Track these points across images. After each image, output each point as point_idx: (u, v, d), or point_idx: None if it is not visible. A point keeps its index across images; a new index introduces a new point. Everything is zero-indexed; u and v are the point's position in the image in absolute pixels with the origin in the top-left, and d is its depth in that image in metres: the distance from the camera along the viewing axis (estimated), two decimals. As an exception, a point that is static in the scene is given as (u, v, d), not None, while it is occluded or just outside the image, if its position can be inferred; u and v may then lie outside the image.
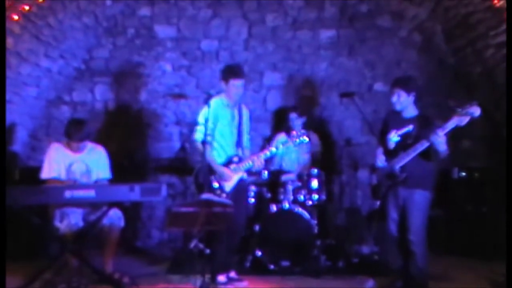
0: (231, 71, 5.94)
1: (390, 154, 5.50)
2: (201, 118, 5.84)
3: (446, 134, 5.08)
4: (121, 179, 5.98)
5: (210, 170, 5.79)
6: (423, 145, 5.20)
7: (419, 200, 5.34)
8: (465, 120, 5.01)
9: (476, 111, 4.96)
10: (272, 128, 8.32)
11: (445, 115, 5.16)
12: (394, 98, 5.48)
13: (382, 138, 5.65)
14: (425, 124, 5.25)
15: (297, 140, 6.07)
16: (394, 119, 5.61)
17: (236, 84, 5.90)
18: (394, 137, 5.49)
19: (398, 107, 5.49)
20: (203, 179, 5.68)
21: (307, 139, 6.13)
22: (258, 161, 5.99)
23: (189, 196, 7.82)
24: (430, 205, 5.44)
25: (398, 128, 5.49)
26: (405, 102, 5.45)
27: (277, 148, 6.13)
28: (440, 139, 5.06)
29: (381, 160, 5.60)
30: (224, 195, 5.75)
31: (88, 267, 5.47)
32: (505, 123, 7.18)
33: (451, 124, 5.04)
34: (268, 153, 6.08)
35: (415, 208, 5.34)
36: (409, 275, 5.43)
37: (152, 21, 8.41)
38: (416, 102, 5.52)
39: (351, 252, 7.15)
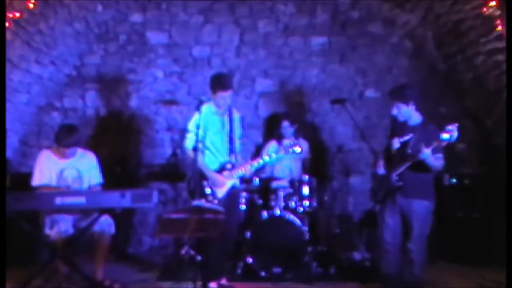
0: (218, 83, 5.91)
1: (390, 161, 5.52)
2: (191, 125, 5.85)
3: (433, 150, 5.09)
4: (113, 185, 5.97)
5: (202, 176, 5.80)
6: (411, 162, 5.23)
7: (419, 210, 5.36)
8: (443, 142, 5.02)
9: (454, 134, 4.96)
10: (264, 134, 8.31)
11: (436, 122, 5.19)
12: (395, 111, 5.49)
13: (388, 143, 5.67)
14: (424, 133, 5.24)
15: (290, 150, 6.12)
16: (398, 125, 5.61)
17: (224, 95, 5.90)
18: (396, 144, 5.50)
19: (400, 118, 5.50)
20: (195, 186, 5.68)
21: (299, 149, 6.16)
22: (250, 170, 6.04)
23: (180, 202, 7.81)
24: (431, 214, 5.46)
25: (400, 135, 5.50)
26: (405, 113, 5.45)
27: (270, 157, 6.17)
28: (427, 156, 5.08)
29: (379, 166, 5.62)
30: (216, 201, 5.75)
31: (78, 274, 5.46)
32: (497, 129, 7.22)
33: (433, 144, 5.05)
34: (261, 161, 6.12)
35: (414, 218, 5.36)
36: (403, 282, 5.44)
37: (143, 27, 8.40)
38: (418, 109, 5.52)
39: (343, 258, 7.15)
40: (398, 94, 5.49)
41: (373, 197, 5.75)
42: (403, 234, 5.51)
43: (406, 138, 5.43)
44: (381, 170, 5.61)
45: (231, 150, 6.09)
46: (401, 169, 5.31)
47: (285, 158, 7.00)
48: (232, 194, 6.03)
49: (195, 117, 5.78)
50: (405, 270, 5.44)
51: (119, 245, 7.55)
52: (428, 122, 5.47)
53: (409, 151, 5.32)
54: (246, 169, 6.01)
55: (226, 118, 6.08)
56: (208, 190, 5.84)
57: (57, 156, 5.90)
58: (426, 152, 5.05)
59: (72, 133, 5.87)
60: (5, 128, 7.14)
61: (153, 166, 8.17)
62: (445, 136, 4.97)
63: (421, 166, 5.25)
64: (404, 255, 5.47)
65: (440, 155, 5.24)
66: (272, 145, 7.44)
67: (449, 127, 4.96)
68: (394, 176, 5.36)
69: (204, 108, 5.86)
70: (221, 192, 5.88)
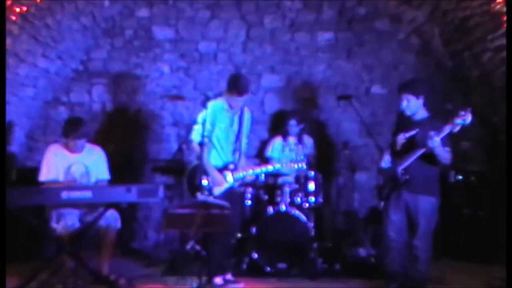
0: (234, 86, 5.89)
1: (395, 156, 5.51)
2: (200, 118, 5.84)
3: (443, 139, 5.08)
4: (118, 180, 5.98)
5: (203, 171, 5.79)
6: (420, 151, 5.21)
7: (425, 206, 5.36)
8: (457, 126, 5.01)
9: (468, 118, 4.96)
10: (269, 130, 8.32)
11: (442, 118, 5.18)
12: (404, 103, 5.46)
13: (393, 139, 5.66)
14: (431, 128, 5.23)
15: (295, 166, 6.18)
16: (403, 120, 5.61)
17: (238, 99, 5.92)
18: (401, 139, 5.49)
19: (408, 112, 5.49)
20: (199, 181, 5.68)
21: (305, 167, 6.23)
22: (251, 174, 6.15)
23: (186, 197, 7.80)
24: (437, 211, 5.45)
25: (406, 130, 5.49)
26: (414, 107, 5.45)
27: (274, 167, 6.20)
28: (436, 144, 5.06)
29: (385, 161, 5.61)
30: (211, 197, 5.73)
31: (84, 268, 5.47)
32: (503, 127, 7.19)
33: (445, 130, 5.04)
34: (264, 169, 6.17)
35: (420, 215, 5.35)
36: (407, 278, 5.43)
37: (150, 22, 8.40)
38: (426, 105, 5.51)
39: (348, 255, 7.14)
40: (409, 87, 5.51)
41: (379, 194, 5.74)
42: (408, 231, 5.50)
43: (412, 133, 5.43)
44: (386, 164, 5.61)
45: (236, 150, 6.10)
46: (409, 161, 5.29)
47: (290, 153, 7.04)
48: (229, 193, 6.01)
49: (204, 111, 5.77)
50: (410, 267, 5.44)
51: (124, 240, 7.56)
52: (434, 118, 5.46)
53: (414, 144, 5.32)
54: (247, 173, 6.05)
55: (236, 118, 6.09)
56: (205, 182, 5.83)
57: (65, 150, 5.91)
58: (436, 140, 5.04)
59: (80, 125, 5.88)
60: (4, 125, 7.15)
61: (159, 161, 8.16)
62: (459, 120, 4.96)
63: (428, 159, 5.26)
64: (409, 252, 5.47)
65: (448, 149, 5.23)
66: (278, 141, 7.46)
67: (462, 112, 4.97)
68: (400, 170, 5.35)
69: (215, 103, 5.87)
70: (217, 190, 5.88)
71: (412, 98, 5.41)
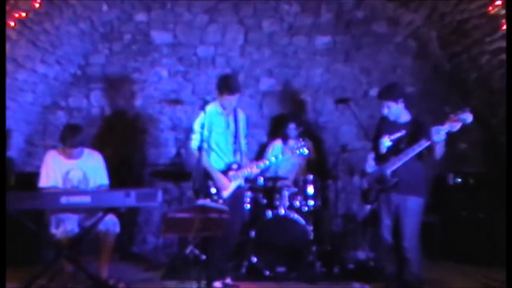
0: (225, 86, 5.90)
1: (381, 159, 5.52)
2: (196, 126, 5.84)
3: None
4: (117, 184, 5.98)
5: (207, 176, 5.80)
6: (421, 146, 5.19)
7: (412, 206, 5.36)
8: (457, 125, 5.00)
9: (468, 117, 4.94)
10: (268, 134, 8.33)
11: (440, 121, 5.19)
12: (385, 111, 5.52)
13: (375, 143, 5.68)
14: (417, 129, 5.25)
15: (297, 152, 6.15)
16: (386, 124, 5.63)
17: (230, 99, 5.92)
18: (386, 142, 5.51)
19: (392, 117, 5.52)
20: (199, 185, 5.68)
21: (307, 151, 6.19)
22: (256, 170, 6.09)
23: (185, 201, 7.82)
24: (424, 211, 5.46)
25: (390, 133, 5.51)
26: (396, 111, 5.49)
27: (276, 157, 6.19)
28: (442, 137, 5.04)
29: (370, 165, 5.64)
30: (221, 201, 5.75)
31: (83, 273, 5.47)
32: (501, 129, 7.20)
33: (445, 127, 5.03)
34: (267, 162, 6.14)
35: (408, 215, 5.35)
36: (403, 281, 5.43)
37: (148, 27, 8.41)
38: (407, 107, 5.54)
39: (347, 258, 7.15)
40: (387, 93, 5.55)
41: (364, 198, 5.76)
42: (396, 233, 5.50)
43: (398, 135, 5.45)
44: (371, 169, 5.63)
45: (236, 150, 6.10)
46: (399, 163, 5.30)
47: (289, 157, 7.03)
48: (237, 194, 6.05)
49: (200, 116, 5.79)
50: (404, 269, 5.43)
51: (123, 244, 7.56)
52: (417, 120, 5.48)
53: (402, 146, 5.35)
54: (252, 170, 6.04)
55: (231, 119, 6.09)
56: (213, 190, 5.85)
57: (63, 156, 5.89)
58: (442, 134, 5.02)
59: (77, 132, 5.84)
60: (4, 130, 7.15)
61: (158, 165, 8.16)
62: (458, 118, 4.96)
63: (418, 157, 5.28)
64: (399, 255, 5.46)
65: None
66: (278, 144, 7.47)
67: (460, 111, 4.95)
68: (389, 172, 5.36)
69: (209, 108, 5.85)
70: (226, 193, 5.89)
71: (392, 104, 5.47)
